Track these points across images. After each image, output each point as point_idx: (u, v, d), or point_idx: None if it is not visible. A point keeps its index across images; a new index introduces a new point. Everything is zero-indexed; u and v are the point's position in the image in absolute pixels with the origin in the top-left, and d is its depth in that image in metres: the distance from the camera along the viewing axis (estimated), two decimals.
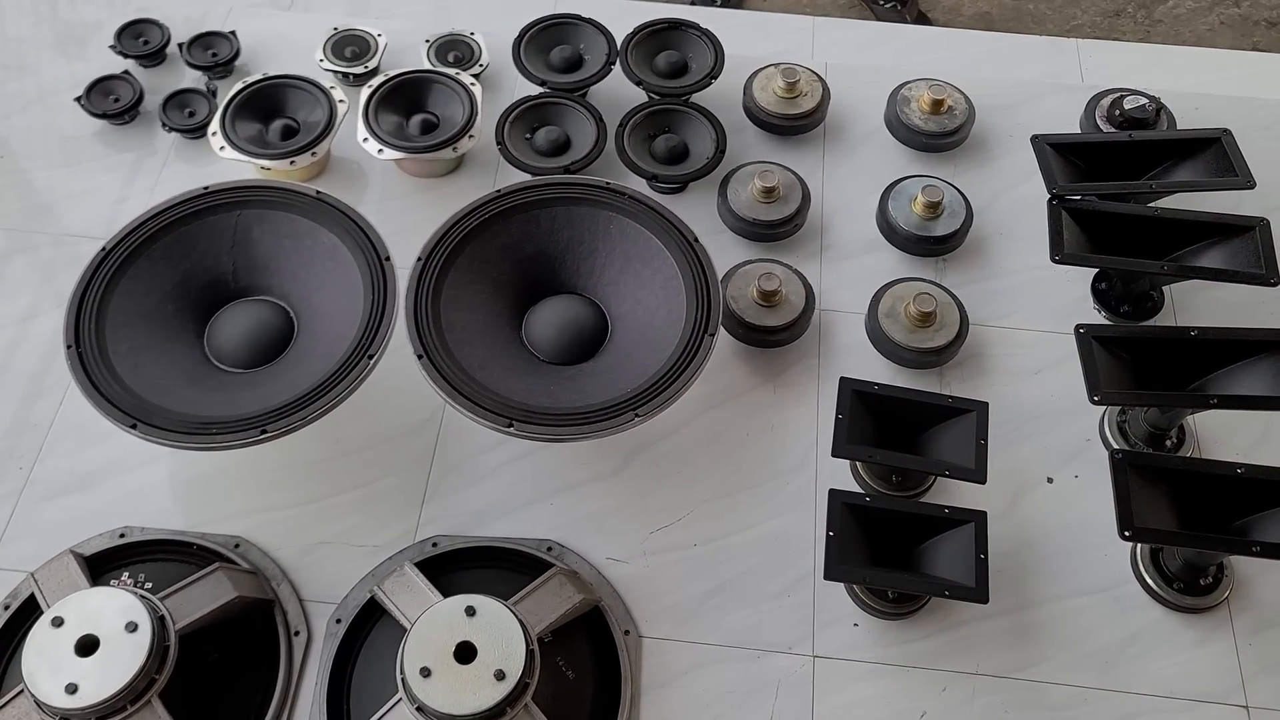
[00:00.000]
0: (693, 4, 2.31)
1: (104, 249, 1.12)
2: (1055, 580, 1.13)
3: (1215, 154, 1.28)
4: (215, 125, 1.34)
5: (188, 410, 1.04)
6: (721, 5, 2.34)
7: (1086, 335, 1.11)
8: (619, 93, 1.46)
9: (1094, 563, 1.14)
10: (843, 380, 1.13)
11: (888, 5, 2.31)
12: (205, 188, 1.17)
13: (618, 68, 1.44)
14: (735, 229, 1.35)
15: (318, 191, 1.17)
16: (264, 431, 1.02)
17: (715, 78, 1.43)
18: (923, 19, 2.33)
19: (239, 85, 1.38)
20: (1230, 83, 1.62)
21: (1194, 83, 1.61)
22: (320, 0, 1.72)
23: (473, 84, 1.39)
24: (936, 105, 1.42)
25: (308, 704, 1.04)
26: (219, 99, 1.40)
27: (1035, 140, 1.29)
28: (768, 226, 1.33)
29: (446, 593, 1.00)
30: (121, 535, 1.11)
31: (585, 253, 1.19)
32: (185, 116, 1.42)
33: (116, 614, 0.92)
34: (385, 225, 1.36)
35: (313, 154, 1.34)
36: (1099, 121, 1.44)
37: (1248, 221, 1.21)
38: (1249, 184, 1.24)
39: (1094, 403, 1.07)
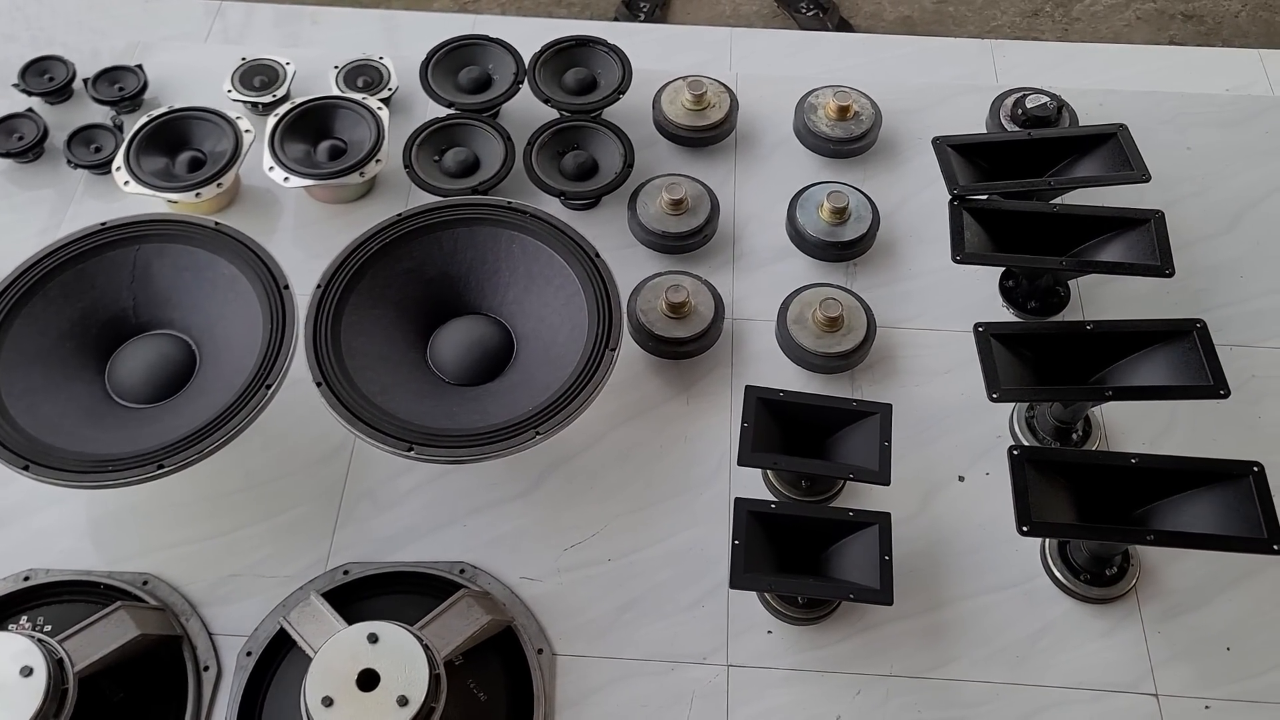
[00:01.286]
0: (616, 19, 2.32)
1: None
2: (967, 578, 1.14)
3: (1112, 149, 1.30)
4: (119, 160, 1.33)
5: (84, 449, 1.03)
6: (645, 19, 2.36)
7: (985, 334, 1.12)
8: (530, 112, 1.46)
9: (1004, 558, 1.14)
10: (748, 389, 1.14)
11: (809, 13, 2.33)
12: (103, 223, 1.17)
13: (526, 87, 1.44)
14: (646, 242, 1.36)
15: (216, 222, 1.17)
16: (160, 467, 1.01)
17: (623, 93, 1.44)
18: (844, 25, 2.35)
19: (143, 119, 1.37)
20: (1141, 77, 1.65)
21: (1107, 79, 1.64)
22: (240, 32, 1.72)
23: (380, 108, 1.40)
24: (842, 111, 1.43)
25: None
26: (124, 133, 1.39)
27: (936, 142, 1.31)
28: (677, 238, 1.34)
29: (357, 620, 0.99)
30: (26, 578, 1.10)
31: (489, 273, 1.19)
32: (91, 152, 1.41)
33: (10, 659, 0.90)
34: (298, 253, 1.37)
35: (219, 185, 1.34)
36: (1003, 121, 1.46)
37: (1143, 215, 1.23)
38: (1144, 177, 1.26)
39: (993, 400, 1.08)
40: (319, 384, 1.06)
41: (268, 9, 1.80)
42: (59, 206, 1.41)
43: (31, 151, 1.41)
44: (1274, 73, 1.67)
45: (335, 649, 0.94)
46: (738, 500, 1.06)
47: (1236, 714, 1.06)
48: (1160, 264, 1.19)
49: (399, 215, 1.19)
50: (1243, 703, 1.06)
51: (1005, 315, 1.33)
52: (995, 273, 1.35)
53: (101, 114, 1.48)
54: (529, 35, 1.52)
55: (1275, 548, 0.97)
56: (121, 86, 1.48)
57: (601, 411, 1.22)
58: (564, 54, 1.49)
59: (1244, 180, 1.46)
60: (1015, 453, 1.03)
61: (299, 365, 1.09)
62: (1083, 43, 2.19)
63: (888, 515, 1.05)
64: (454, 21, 1.73)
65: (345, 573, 1.12)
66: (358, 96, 1.41)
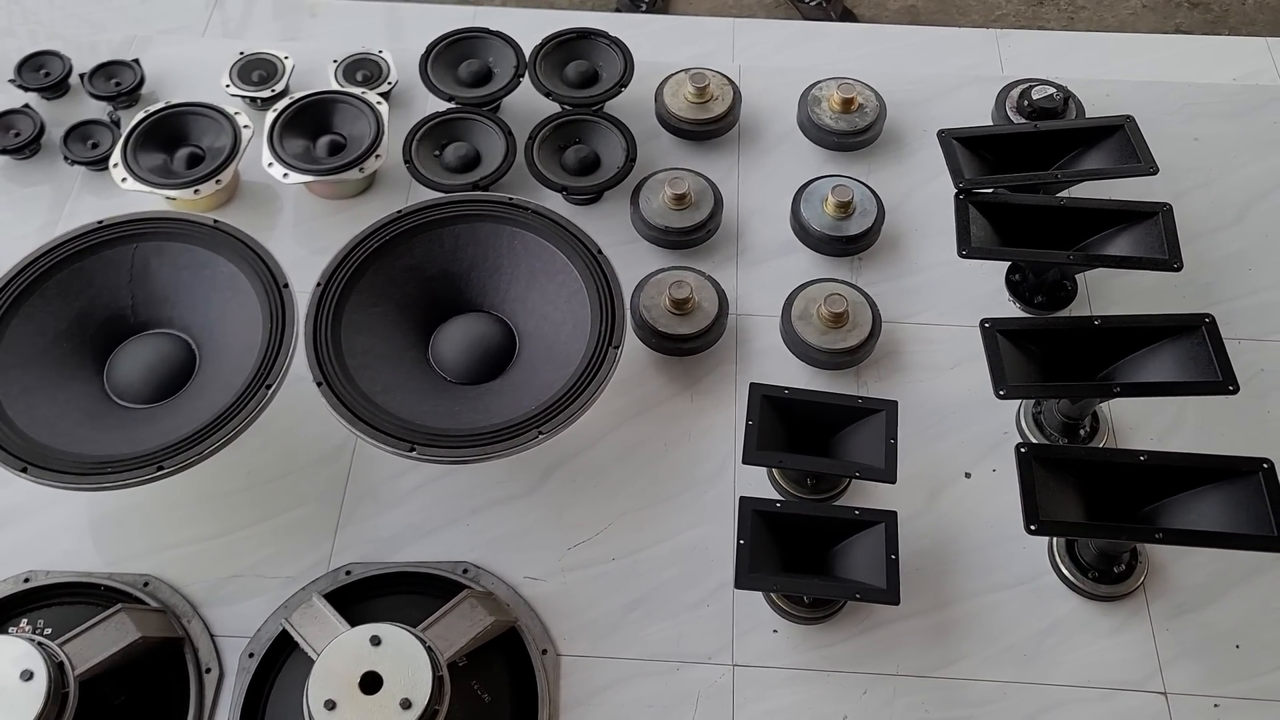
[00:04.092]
0: (618, 10, 2.31)
1: None
2: (974, 575, 1.13)
3: (1119, 141, 1.29)
4: (116, 157, 1.32)
5: (84, 450, 1.02)
6: (646, 10, 2.34)
7: (991, 330, 1.11)
8: (530, 105, 1.45)
9: (1012, 556, 1.14)
10: (753, 386, 1.13)
11: (813, 4, 2.31)
12: (100, 222, 1.16)
13: (527, 80, 1.43)
14: (648, 238, 1.35)
15: (215, 220, 1.16)
16: (160, 468, 1.00)
17: (625, 86, 1.43)
18: (848, 15, 2.33)
19: (140, 115, 1.36)
20: (1148, 67, 1.63)
21: (1113, 69, 1.62)
22: (239, 25, 1.71)
23: (379, 102, 1.38)
24: (847, 104, 1.42)
25: None
26: (121, 129, 1.38)
27: (941, 135, 1.29)
28: (681, 234, 1.32)
29: (359, 621, 0.98)
30: (26, 580, 1.09)
31: (490, 270, 1.18)
32: (89, 149, 1.40)
33: (10, 663, 0.90)
34: (298, 250, 1.36)
35: (217, 181, 1.32)
36: (1009, 113, 1.44)
37: (1151, 208, 1.22)
38: (1151, 170, 1.25)
39: (1000, 397, 1.07)
40: (319, 384, 1.05)
41: (271, 1, 1.78)
42: (56, 203, 1.40)
43: (28, 148, 1.40)
44: None
45: (338, 651, 0.93)
46: (742, 499, 1.05)
47: (1246, 712, 1.05)
48: (1168, 258, 1.18)
49: (399, 212, 1.17)
50: (1252, 700, 1.05)
51: (1011, 309, 1.32)
52: (1001, 267, 1.34)
53: (98, 109, 1.47)
54: (530, 27, 1.50)
55: None
56: (118, 81, 1.46)
57: (605, 409, 1.21)
58: (565, 47, 1.47)
59: (1251, 171, 1.45)
60: (1023, 450, 1.02)
61: (299, 364, 1.08)
62: (1088, 32, 2.17)
63: (894, 514, 1.05)
64: (455, 14, 1.71)
65: (347, 573, 1.11)
66: (357, 91, 1.40)
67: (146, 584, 1.10)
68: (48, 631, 1.03)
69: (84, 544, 1.14)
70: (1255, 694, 1.06)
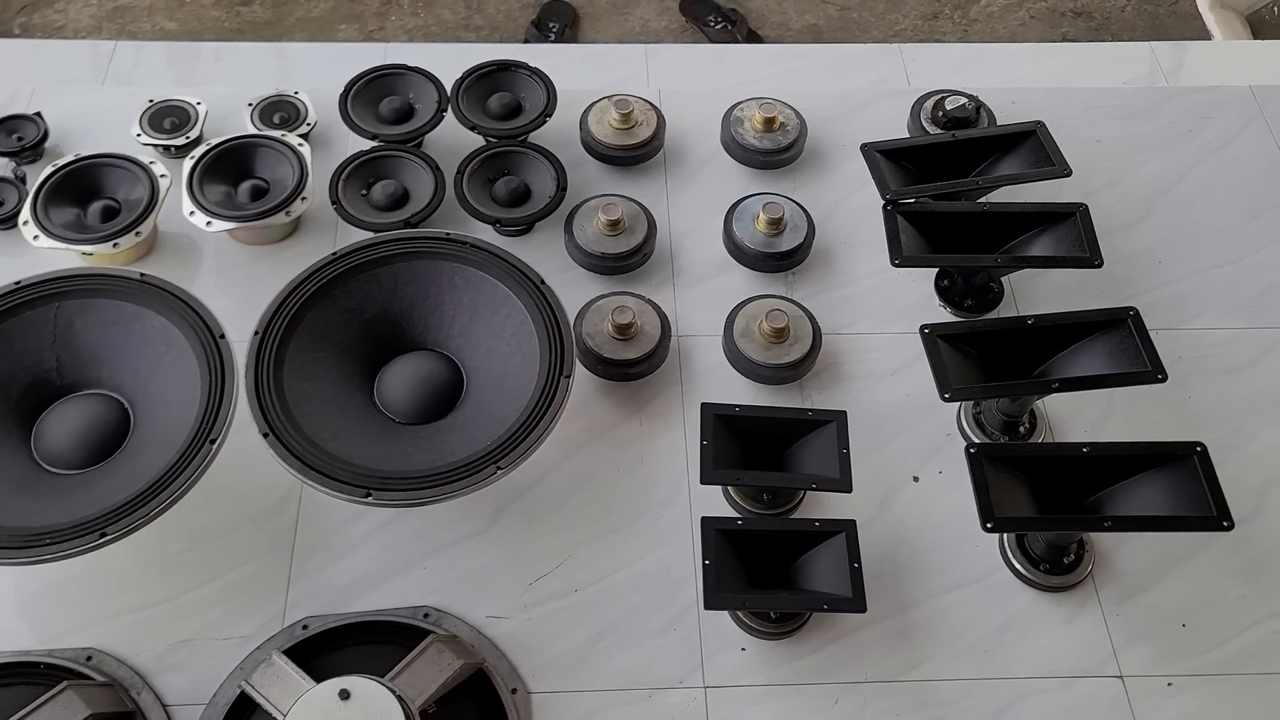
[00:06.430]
0: (526, 41, 2.31)
1: None
2: (930, 577, 1.15)
3: (1033, 146, 1.34)
4: (26, 213, 1.27)
5: (16, 522, 0.97)
6: (555, 40, 2.35)
7: (932, 335, 1.14)
8: (456, 140, 1.44)
9: (965, 555, 1.16)
10: (704, 406, 1.13)
11: (718, 26, 2.35)
12: (17, 282, 1.11)
13: (450, 115, 1.42)
14: (585, 265, 1.35)
15: (142, 274, 1.12)
16: (103, 535, 0.96)
17: (549, 115, 1.43)
18: (753, 36, 2.38)
19: (49, 169, 1.30)
20: (1043, 75, 1.70)
21: (1012, 77, 1.68)
22: (130, 74, 1.66)
23: (301, 144, 1.36)
24: (768, 123, 1.44)
25: None
26: (29, 185, 1.32)
27: (865, 149, 1.32)
28: (617, 259, 1.33)
29: (321, 676, 0.95)
30: None
31: (432, 307, 1.17)
32: None
33: None
34: (224, 299, 1.31)
35: (136, 234, 1.28)
36: (924, 123, 1.49)
37: (1068, 208, 1.27)
38: (1065, 172, 1.30)
39: (945, 399, 1.09)
40: (265, 434, 1.02)
41: (159, 47, 1.74)
42: None
43: None
44: (1165, 63, 1.74)
45: (306, 709, 0.91)
46: (704, 519, 1.05)
47: (1198, 688, 1.09)
48: (1089, 255, 1.23)
49: (334, 254, 1.15)
50: (1202, 676, 1.09)
51: (942, 314, 1.36)
52: (931, 273, 1.37)
53: (1, 166, 1.41)
54: (443, 62, 1.50)
55: (1225, 524, 1.00)
56: (20, 136, 1.41)
57: (554, 439, 1.19)
58: (486, 79, 1.47)
59: (1153, 169, 1.51)
60: (972, 451, 1.05)
61: (240, 416, 1.05)
62: (983, 43, 2.25)
63: (853, 522, 1.06)
64: (364, 51, 1.69)
65: (305, 627, 1.08)
66: (276, 133, 1.37)
67: (89, 658, 1.05)
68: None
69: (16, 622, 1.09)
70: (1206, 670, 1.10)
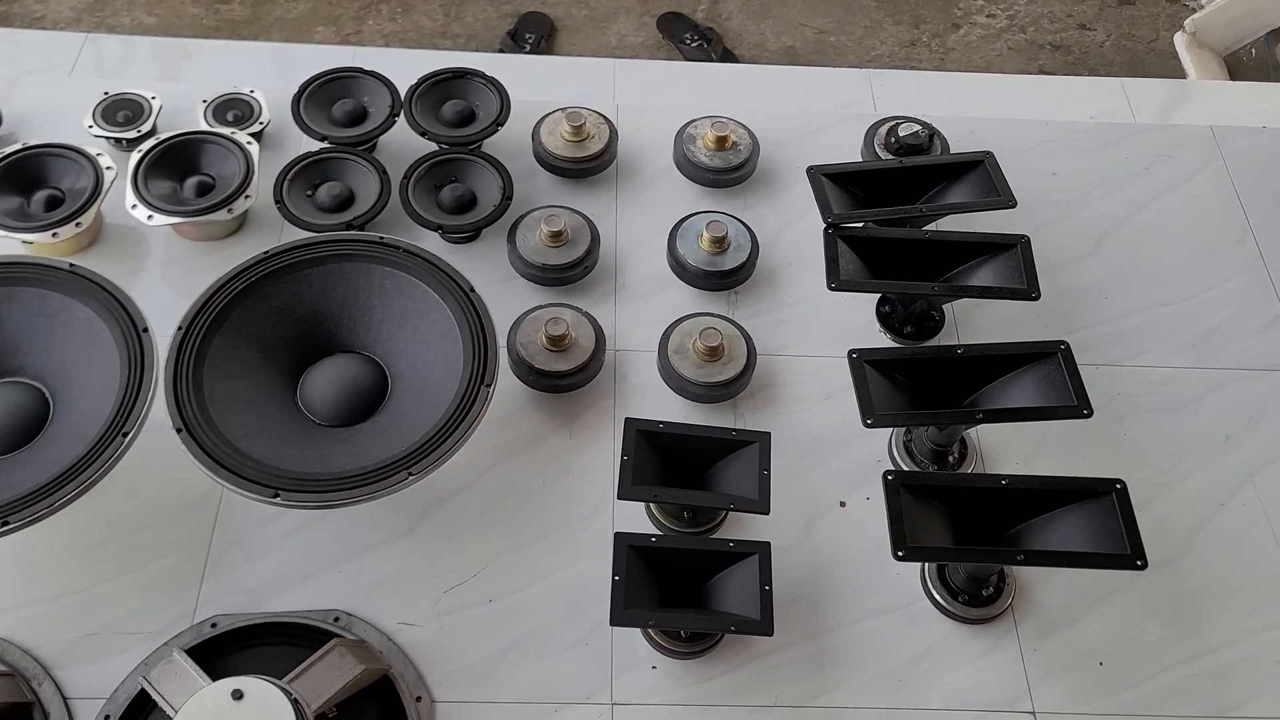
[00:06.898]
0: (501, 51, 2.32)
1: None
2: (850, 604, 1.14)
3: (980, 175, 1.34)
4: None
5: None
6: (530, 51, 2.35)
7: (859, 360, 1.14)
8: (406, 145, 1.44)
9: (886, 583, 1.15)
10: (628, 421, 1.13)
11: (694, 44, 2.36)
12: None
13: (403, 120, 1.42)
14: (526, 275, 1.35)
15: (71, 264, 1.12)
16: (6, 523, 0.95)
17: (502, 125, 1.43)
18: (729, 56, 2.38)
19: None
20: (1013, 105, 1.71)
21: (980, 107, 1.69)
22: (114, 66, 1.67)
23: (249, 142, 1.36)
24: (720, 141, 1.45)
25: None
26: None
27: (810, 171, 1.32)
28: (558, 270, 1.33)
29: (226, 675, 0.94)
30: None
31: (361, 310, 1.17)
32: None
33: None
34: (166, 293, 1.32)
35: (77, 224, 1.28)
36: (877, 149, 1.49)
37: (1010, 239, 1.26)
38: (1010, 203, 1.30)
39: (867, 425, 1.09)
40: (179, 430, 1.02)
41: (131, 41, 1.75)
42: None
43: None
44: (1135, 100, 1.75)
45: (197, 708, 0.90)
46: (618, 535, 1.05)
47: None
48: (1027, 288, 1.22)
49: (266, 252, 1.15)
50: (1115, 716, 1.09)
51: (883, 340, 1.35)
52: (873, 298, 1.37)
53: None
54: (410, 67, 1.50)
55: (1139, 564, 0.99)
56: None
57: (482, 448, 1.20)
58: (441, 86, 1.47)
59: (1106, 205, 1.51)
60: (889, 478, 1.04)
61: (160, 411, 1.05)
62: (958, 72, 2.26)
63: (767, 545, 1.05)
64: (335, 53, 1.70)
65: (213, 625, 1.07)
66: (226, 131, 1.37)
67: None
68: None
69: None
70: (1119, 710, 1.09)
